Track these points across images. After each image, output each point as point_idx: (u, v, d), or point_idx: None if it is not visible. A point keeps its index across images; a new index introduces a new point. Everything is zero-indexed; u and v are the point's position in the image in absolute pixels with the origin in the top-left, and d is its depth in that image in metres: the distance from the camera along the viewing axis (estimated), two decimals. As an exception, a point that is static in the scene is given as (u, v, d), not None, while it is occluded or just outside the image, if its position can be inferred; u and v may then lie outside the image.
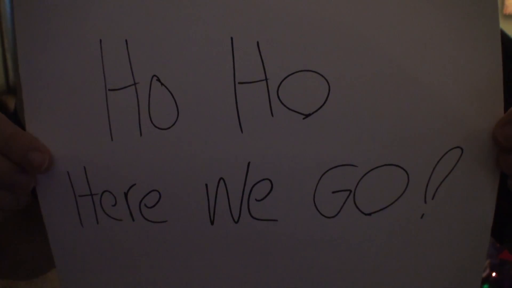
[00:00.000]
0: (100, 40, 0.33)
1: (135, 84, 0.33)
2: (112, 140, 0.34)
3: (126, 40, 0.33)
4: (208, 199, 0.34)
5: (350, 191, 0.34)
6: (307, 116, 0.33)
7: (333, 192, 0.34)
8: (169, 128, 0.33)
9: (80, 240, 0.37)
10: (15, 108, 0.47)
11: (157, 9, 0.33)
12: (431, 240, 0.34)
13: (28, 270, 0.52)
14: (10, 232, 0.46)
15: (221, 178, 0.34)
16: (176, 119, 0.33)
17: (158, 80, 0.33)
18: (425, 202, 0.34)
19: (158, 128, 0.33)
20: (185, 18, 0.32)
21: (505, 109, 0.32)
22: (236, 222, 0.35)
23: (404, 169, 0.33)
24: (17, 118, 0.45)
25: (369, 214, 0.34)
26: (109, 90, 0.34)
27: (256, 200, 0.34)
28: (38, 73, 0.34)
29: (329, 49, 0.32)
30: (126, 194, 0.35)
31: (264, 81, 0.32)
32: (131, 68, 0.33)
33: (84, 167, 0.35)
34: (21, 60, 0.34)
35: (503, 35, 0.38)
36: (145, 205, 0.35)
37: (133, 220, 0.36)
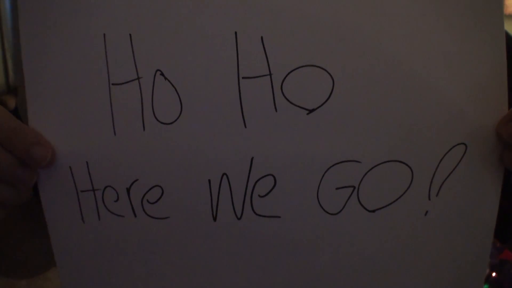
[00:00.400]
0: (104, 35, 0.33)
1: (138, 78, 0.33)
2: (115, 134, 0.34)
3: (130, 35, 0.33)
4: (211, 195, 0.34)
5: (354, 187, 0.33)
6: (311, 111, 0.32)
7: (337, 189, 0.33)
8: (172, 123, 0.33)
9: (81, 236, 0.37)
10: (16, 106, 0.47)
11: (161, 4, 0.32)
12: (435, 237, 0.34)
13: (29, 269, 0.52)
14: (10, 230, 0.46)
15: (224, 174, 0.34)
16: (180, 114, 0.33)
17: (162, 74, 0.33)
18: (429, 199, 0.33)
19: (161, 123, 0.33)
20: (189, 13, 0.32)
21: (509, 106, 0.32)
22: (239, 219, 0.34)
23: (408, 166, 0.33)
24: (18, 116, 0.45)
25: (373, 211, 0.34)
26: (112, 84, 0.33)
27: (259, 196, 0.34)
28: (41, 67, 0.34)
29: (333, 45, 0.32)
30: (128, 190, 0.35)
31: (268, 76, 0.32)
32: (134, 62, 0.33)
33: (87, 162, 0.35)
34: (25, 55, 0.34)
35: (506, 34, 0.38)
36: (148, 200, 0.35)
37: (135, 216, 0.35)
